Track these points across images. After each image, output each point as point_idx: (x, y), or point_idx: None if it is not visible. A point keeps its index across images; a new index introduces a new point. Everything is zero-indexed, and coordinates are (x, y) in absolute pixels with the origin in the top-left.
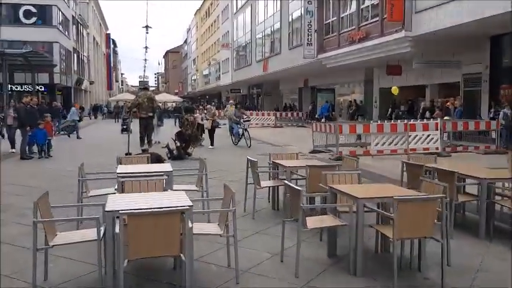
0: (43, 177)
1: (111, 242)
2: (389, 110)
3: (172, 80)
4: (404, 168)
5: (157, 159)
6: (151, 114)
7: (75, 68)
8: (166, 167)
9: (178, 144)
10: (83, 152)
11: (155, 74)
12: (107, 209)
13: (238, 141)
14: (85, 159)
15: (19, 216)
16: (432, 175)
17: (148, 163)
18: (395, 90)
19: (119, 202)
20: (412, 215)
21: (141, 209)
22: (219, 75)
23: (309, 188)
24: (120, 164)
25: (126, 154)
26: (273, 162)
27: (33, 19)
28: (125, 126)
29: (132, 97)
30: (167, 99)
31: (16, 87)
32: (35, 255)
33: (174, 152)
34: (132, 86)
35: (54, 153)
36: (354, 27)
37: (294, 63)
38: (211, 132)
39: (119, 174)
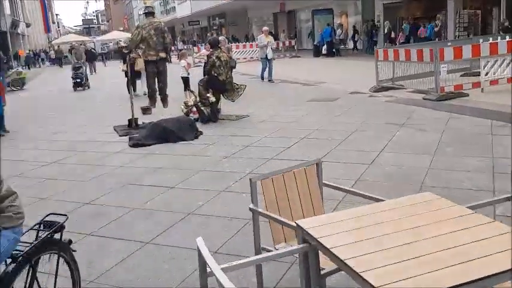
0: None
1: None
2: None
3: (115, 16)
4: None
5: (190, 125)
6: (163, 55)
7: (8, 10)
8: None
9: (211, 97)
10: (48, 119)
11: (93, 12)
12: None
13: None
14: (58, 133)
15: None
16: None
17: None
18: None
19: None
20: None
21: None
22: (173, 6)
23: None
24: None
25: (129, 125)
26: None
27: None
28: (78, 80)
29: (78, 38)
30: (121, 36)
31: None
32: None
33: (205, 110)
34: (73, 27)
35: (8, 125)
36: None
37: None
38: None
39: None
